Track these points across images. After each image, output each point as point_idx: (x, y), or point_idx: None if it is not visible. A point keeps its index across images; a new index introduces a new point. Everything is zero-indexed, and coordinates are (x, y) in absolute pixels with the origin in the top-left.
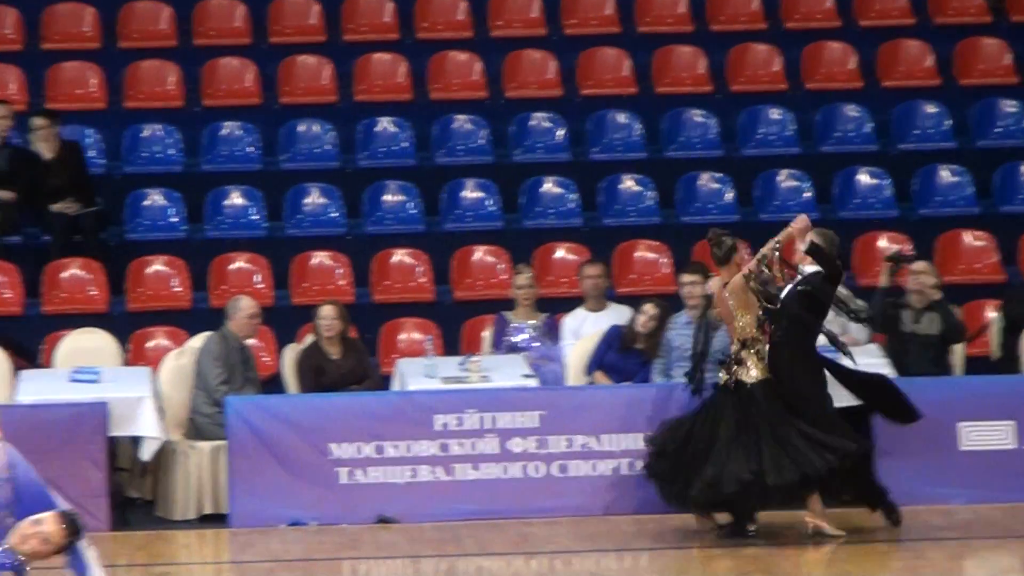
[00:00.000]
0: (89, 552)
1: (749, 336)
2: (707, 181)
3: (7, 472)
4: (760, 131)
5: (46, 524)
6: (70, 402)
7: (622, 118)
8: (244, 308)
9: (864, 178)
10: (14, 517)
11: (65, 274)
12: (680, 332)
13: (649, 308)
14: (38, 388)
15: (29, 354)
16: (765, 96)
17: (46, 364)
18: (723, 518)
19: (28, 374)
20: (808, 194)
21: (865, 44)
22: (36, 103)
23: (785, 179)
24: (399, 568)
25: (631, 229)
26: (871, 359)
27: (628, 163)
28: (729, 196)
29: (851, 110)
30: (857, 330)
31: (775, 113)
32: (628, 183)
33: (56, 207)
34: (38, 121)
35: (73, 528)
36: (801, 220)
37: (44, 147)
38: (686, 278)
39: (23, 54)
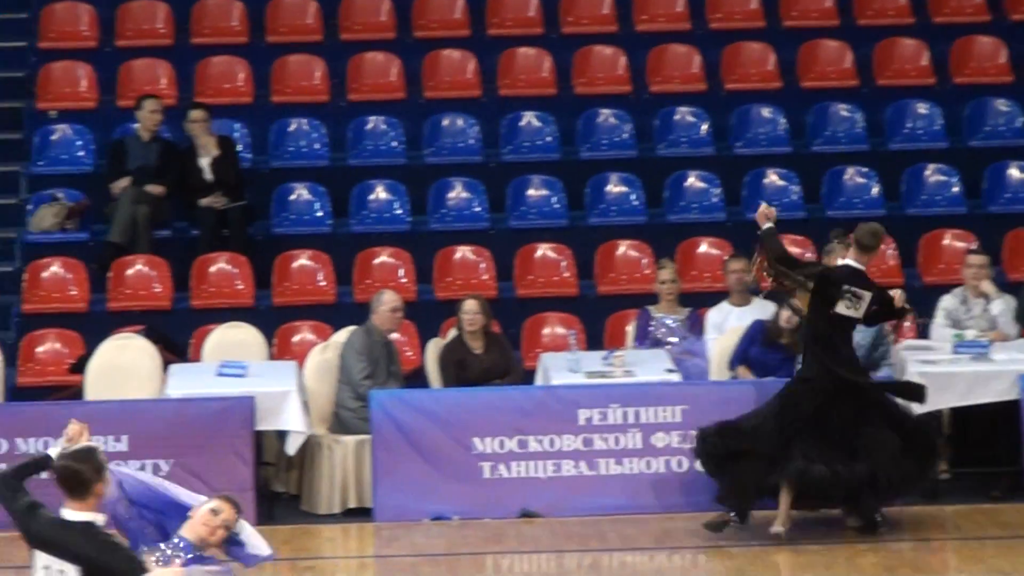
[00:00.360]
0: (244, 522)
1: None
2: (852, 175)
3: (117, 492)
4: (908, 126)
5: (223, 513)
6: (218, 396)
7: (766, 112)
8: (387, 302)
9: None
10: (145, 520)
11: (213, 268)
12: None
13: (794, 303)
14: (186, 382)
15: (178, 348)
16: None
17: (194, 358)
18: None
19: (177, 368)
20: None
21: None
22: (185, 98)
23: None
24: (542, 563)
25: (776, 223)
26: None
27: (772, 157)
28: (876, 191)
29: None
30: (1006, 324)
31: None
32: (772, 177)
33: (204, 202)
34: (196, 113)
35: (239, 506)
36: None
37: (202, 140)
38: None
39: (173, 49)
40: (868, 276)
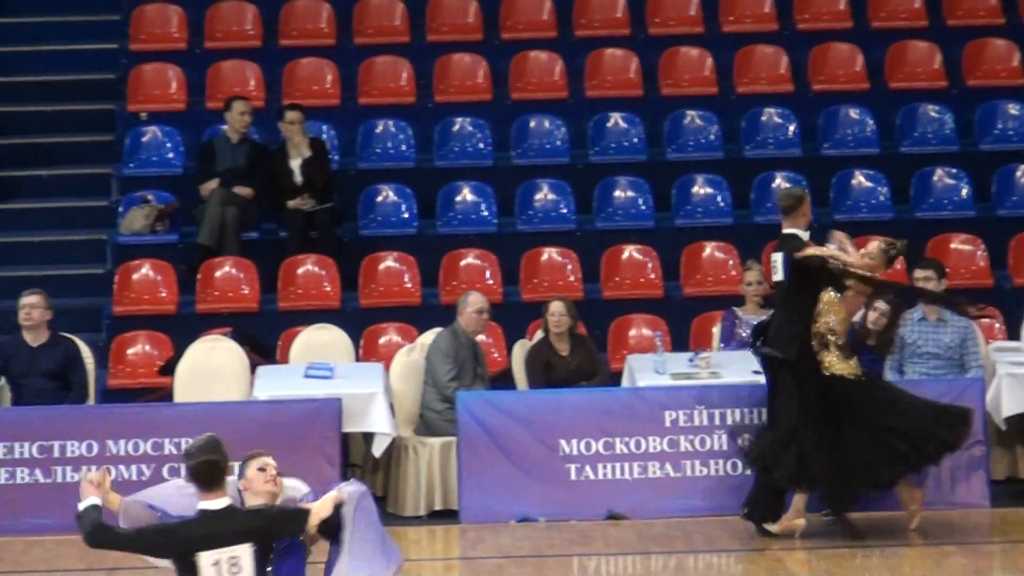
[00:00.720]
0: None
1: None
2: (942, 177)
3: (149, 512)
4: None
5: (268, 462)
6: (305, 398)
7: (853, 113)
8: (473, 304)
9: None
10: None
11: (300, 270)
12: (913, 328)
13: (881, 304)
14: (274, 384)
15: (266, 350)
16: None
17: (282, 360)
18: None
19: (264, 370)
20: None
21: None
22: (273, 100)
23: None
24: (628, 564)
25: (863, 224)
26: None
27: (860, 158)
28: (965, 192)
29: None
30: None
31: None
32: (860, 178)
33: (292, 203)
34: (292, 115)
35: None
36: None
37: (295, 141)
38: (919, 274)
39: (261, 51)
40: (795, 240)
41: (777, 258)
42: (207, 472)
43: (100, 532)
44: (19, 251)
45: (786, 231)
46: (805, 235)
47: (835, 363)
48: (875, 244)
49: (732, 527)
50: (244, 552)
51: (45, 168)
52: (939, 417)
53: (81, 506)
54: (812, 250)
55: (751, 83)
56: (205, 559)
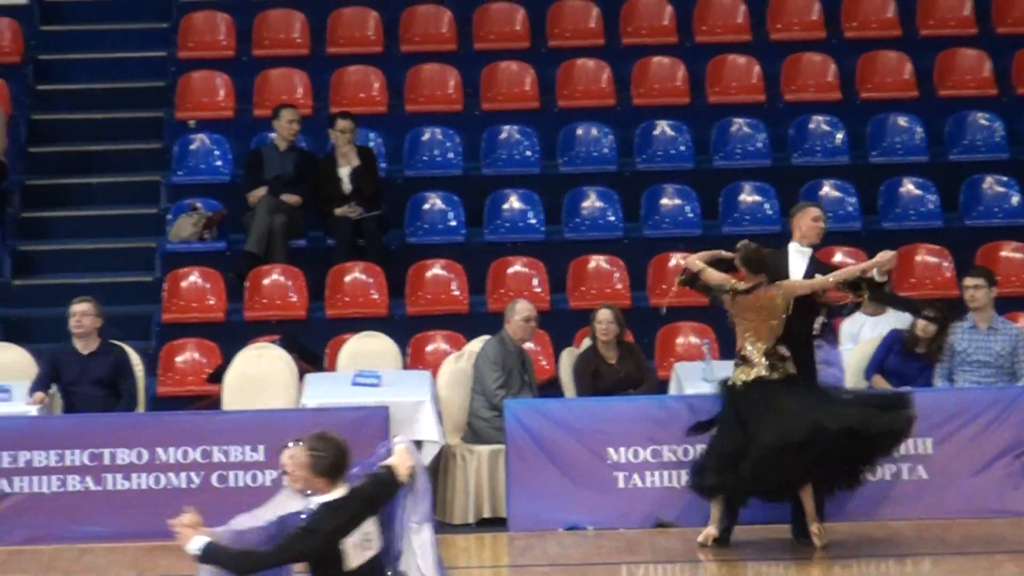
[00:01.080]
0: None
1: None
2: (991, 184)
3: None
4: None
5: (294, 452)
6: (353, 406)
7: (902, 121)
8: (520, 312)
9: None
10: None
11: (348, 278)
12: (964, 336)
13: (929, 312)
14: (322, 392)
15: (314, 358)
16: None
17: (329, 368)
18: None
19: (312, 377)
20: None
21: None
22: (321, 108)
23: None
24: (677, 572)
25: (912, 232)
26: None
27: (909, 166)
28: (1015, 200)
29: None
30: None
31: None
32: (908, 186)
33: (339, 211)
34: (343, 123)
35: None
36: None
37: (343, 150)
38: (969, 282)
39: (309, 59)
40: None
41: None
42: (338, 464)
43: (244, 558)
44: (69, 259)
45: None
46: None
47: (754, 373)
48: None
49: (782, 535)
50: (370, 526)
51: (94, 176)
52: (879, 405)
53: (196, 549)
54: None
55: (799, 91)
56: (349, 544)
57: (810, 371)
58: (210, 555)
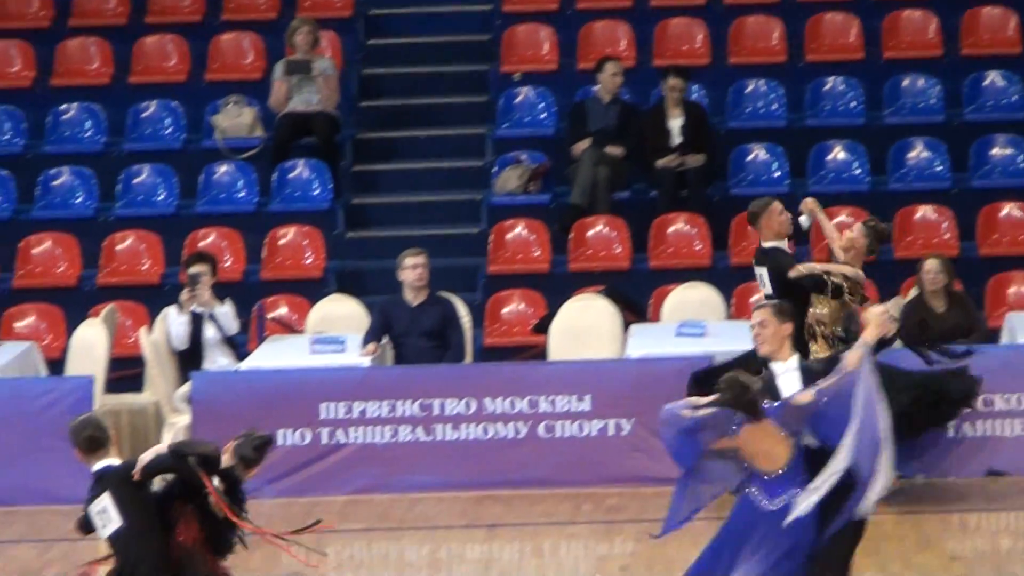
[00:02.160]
0: None
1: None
2: (1002, 144)
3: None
4: None
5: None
6: (678, 356)
7: (1000, 80)
8: None
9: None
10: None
11: (671, 229)
12: None
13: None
14: (647, 342)
15: (638, 308)
16: None
17: (653, 319)
18: None
19: (637, 328)
20: None
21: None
22: (643, 60)
23: None
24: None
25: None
26: None
27: (1005, 124)
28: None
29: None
30: None
31: None
32: (1000, 144)
33: (661, 162)
34: (674, 81)
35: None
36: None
37: (673, 109)
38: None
39: (632, 11)
40: (777, 252)
41: (762, 272)
42: None
43: None
44: (399, 212)
45: (766, 245)
46: (784, 244)
47: (820, 353)
48: (859, 225)
49: None
50: None
51: (421, 129)
52: (946, 376)
53: None
54: (804, 268)
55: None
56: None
57: None
58: None
